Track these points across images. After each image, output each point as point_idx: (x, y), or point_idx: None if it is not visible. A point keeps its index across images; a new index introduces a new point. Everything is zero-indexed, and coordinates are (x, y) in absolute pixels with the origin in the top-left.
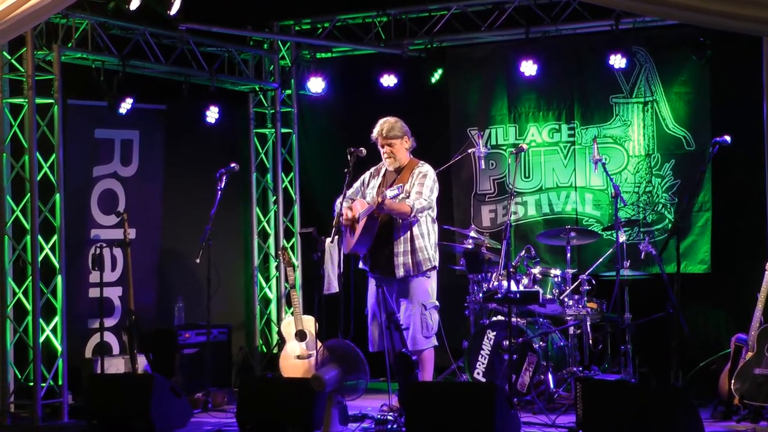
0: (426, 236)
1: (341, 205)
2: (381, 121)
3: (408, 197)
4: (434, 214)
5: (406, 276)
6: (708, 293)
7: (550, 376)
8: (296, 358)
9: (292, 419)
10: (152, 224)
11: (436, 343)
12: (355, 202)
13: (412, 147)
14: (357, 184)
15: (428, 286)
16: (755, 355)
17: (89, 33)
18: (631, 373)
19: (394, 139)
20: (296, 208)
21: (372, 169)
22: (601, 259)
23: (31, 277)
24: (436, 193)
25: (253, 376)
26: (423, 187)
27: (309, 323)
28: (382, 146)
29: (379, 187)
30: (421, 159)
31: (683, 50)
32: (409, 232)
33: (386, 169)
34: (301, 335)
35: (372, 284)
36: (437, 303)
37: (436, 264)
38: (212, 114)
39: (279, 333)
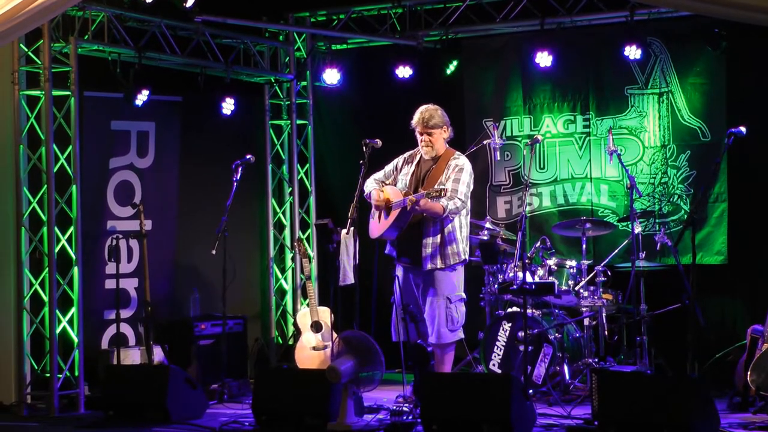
0: (457, 229)
1: (374, 186)
2: (422, 108)
3: (442, 196)
4: (468, 207)
5: (433, 269)
6: (724, 284)
7: (565, 368)
8: (312, 350)
9: (308, 410)
10: (168, 216)
11: (462, 336)
12: (386, 187)
13: (450, 137)
14: (390, 168)
15: (455, 280)
16: None
17: (105, 25)
18: (647, 365)
19: (434, 128)
20: (312, 200)
21: (407, 155)
22: (616, 250)
23: (47, 269)
24: (471, 188)
25: (268, 367)
26: (459, 183)
27: (324, 314)
28: (421, 134)
29: (412, 175)
30: None
31: (698, 41)
32: (439, 225)
33: (422, 157)
34: (316, 326)
35: (399, 272)
36: (464, 295)
37: (466, 258)
38: (228, 105)
39: (294, 324)
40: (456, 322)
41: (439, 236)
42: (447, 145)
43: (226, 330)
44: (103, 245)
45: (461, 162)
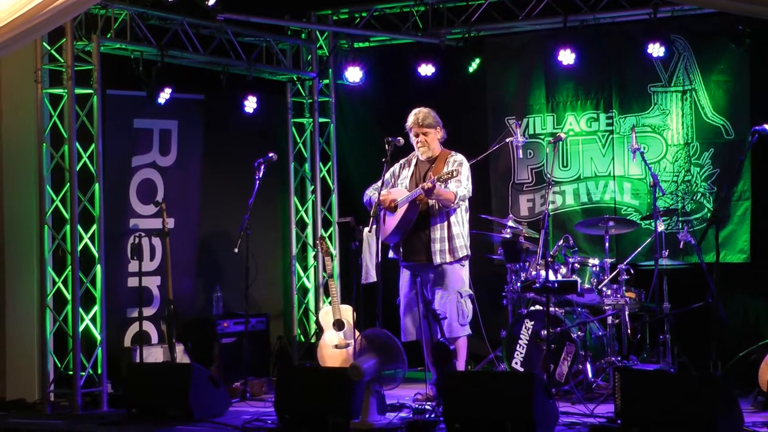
0: (461, 224)
1: (377, 192)
2: (415, 110)
3: (453, 177)
4: (467, 204)
5: (443, 263)
6: (747, 282)
7: (588, 366)
8: (334, 348)
9: (331, 408)
10: (191, 214)
11: (470, 332)
12: (394, 189)
13: (443, 138)
14: (388, 175)
15: (462, 274)
16: None
17: (128, 23)
18: (670, 363)
19: (429, 128)
20: (334, 198)
21: (402, 161)
22: (639, 249)
23: (70, 267)
24: (470, 182)
25: (291, 365)
26: (461, 175)
27: (347, 312)
28: (417, 135)
29: (411, 177)
30: (458, 149)
31: (722, 39)
32: (446, 220)
33: (418, 159)
34: (338, 324)
35: (405, 274)
36: (471, 291)
37: (469, 253)
38: (250, 104)
39: (317, 322)
40: (466, 316)
41: (445, 230)
42: (441, 146)
43: (248, 328)
44: (125, 243)
45: (459, 158)
